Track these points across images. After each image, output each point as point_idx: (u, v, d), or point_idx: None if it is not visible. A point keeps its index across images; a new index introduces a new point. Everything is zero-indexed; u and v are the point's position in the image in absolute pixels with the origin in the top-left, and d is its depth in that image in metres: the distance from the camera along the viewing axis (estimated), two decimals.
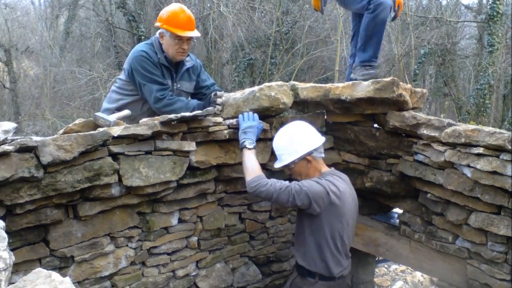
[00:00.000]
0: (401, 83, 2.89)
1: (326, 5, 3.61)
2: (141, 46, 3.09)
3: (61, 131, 2.53)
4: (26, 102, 14.75)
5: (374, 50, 3.36)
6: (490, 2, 11.19)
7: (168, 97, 2.92)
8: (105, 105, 3.14)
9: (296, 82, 2.97)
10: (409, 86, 3.03)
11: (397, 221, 3.15)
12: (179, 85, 3.10)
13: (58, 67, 13.76)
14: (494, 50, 10.95)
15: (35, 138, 2.10)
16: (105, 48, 15.75)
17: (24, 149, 1.98)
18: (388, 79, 2.85)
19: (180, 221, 2.71)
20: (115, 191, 2.30)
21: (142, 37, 12.35)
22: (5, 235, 1.33)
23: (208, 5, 11.19)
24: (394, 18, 3.51)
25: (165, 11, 3.04)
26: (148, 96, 2.93)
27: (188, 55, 3.18)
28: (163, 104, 2.89)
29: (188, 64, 3.16)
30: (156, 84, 2.93)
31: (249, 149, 2.52)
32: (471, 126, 2.53)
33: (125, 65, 3.07)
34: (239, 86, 12.04)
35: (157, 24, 3.03)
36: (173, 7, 3.10)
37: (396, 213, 3.33)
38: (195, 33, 3.04)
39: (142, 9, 12.80)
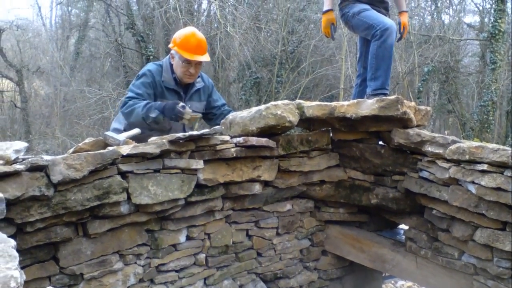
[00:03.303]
0: (405, 101, 2.93)
1: (336, 31, 3.65)
2: (149, 65, 3.18)
3: (71, 150, 2.59)
4: (36, 121, 14.95)
5: (385, 77, 3.38)
6: (492, 21, 11.29)
7: (133, 100, 2.99)
8: (114, 125, 3.21)
9: (302, 101, 3.02)
10: (413, 104, 3.07)
11: (403, 237, 3.15)
12: (189, 105, 3.15)
13: (68, 86, 13.99)
14: (496, 68, 11.01)
15: (45, 157, 2.15)
16: (114, 68, 16.01)
17: (35, 168, 2.03)
18: (393, 97, 2.89)
19: (188, 238, 2.74)
20: (124, 209, 2.34)
21: (151, 57, 12.55)
22: (16, 254, 1.35)
23: (215, 25, 11.37)
24: (399, 39, 3.56)
25: (178, 34, 3.14)
26: (120, 106, 3.06)
27: (200, 75, 3.24)
28: (127, 106, 2.98)
29: (198, 85, 3.22)
30: (131, 93, 3.04)
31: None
32: (475, 143, 2.55)
33: None
34: (246, 104, 12.14)
35: (170, 45, 3.13)
36: (186, 30, 3.18)
37: (402, 229, 3.33)
38: (204, 58, 3.09)
39: (150, 30, 13.03)
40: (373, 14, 3.39)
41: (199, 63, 3.10)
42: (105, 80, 14.18)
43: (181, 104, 2.92)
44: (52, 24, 19.84)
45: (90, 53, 16.36)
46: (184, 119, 2.92)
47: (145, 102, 2.97)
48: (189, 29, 3.20)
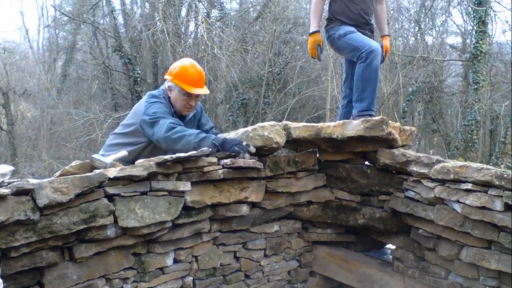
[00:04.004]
0: (390, 121, 2.99)
1: (322, 52, 3.70)
2: (156, 92, 3.10)
3: (58, 173, 2.57)
4: (23, 144, 14.83)
5: (371, 98, 3.43)
6: (474, 42, 11.57)
7: (180, 127, 2.80)
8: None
9: (288, 122, 3.05)
10: (398, 124, 3.13)
11: (391, 257, 3.17)
12: None
13: (55, 109, 13.95)
14: (479, 88, 11.24)
15: (31, 180, 2.13)
16: (101, 90, 16.02)
17: (20, 192, 2.01)
18: (378, 118, 2.95)
19: (175, 261, 2.71)
20: (110, 232, 2.32)
21: (138, 79, 12.61)
22: (0, 281, 1.34)
23: (203, 47, 11.48)
24: (381, 62, 3.63)
25: (176, 65, 3.07)
26: (159, 129, 2.77)
27: None
28: (175, 131, 2.74)
29: (191, 114, 3.19)
30: (171, 119, 2.86)
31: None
32: (459, 163, 2.60)
33: (132, 119, 3.04)
34: (233, 126, 12.20)
35: (167, 77, 3.05)
36: (184, 61, 3.12)
37: (389, 249, 3.35)
38: (204, 91, 3.05)
39: (138, 52, 13.11)
40: (358, 37, 3.46)
41: (199, 95, 3.06)
42: (92, 102, 14.16)
43: (245, 143, 2.75)
44: (40, 46, 19.87)
45: (77, 76, 16.36)
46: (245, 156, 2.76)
47: (196, 131, 2.80)
48: (187, 61, 3.13)
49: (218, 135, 2.96)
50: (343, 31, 3.51)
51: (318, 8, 3.61)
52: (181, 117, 3.11)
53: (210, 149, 2.63)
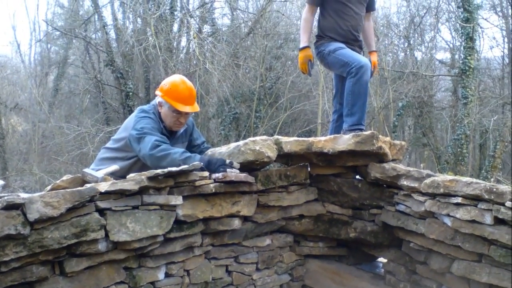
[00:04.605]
0: (380, 136, 3.02)
1: (313, 67, 3.73)
2: (147, 107, 3.10)
3: (49, 187, 2.56)
4: (13, 158, 14.71)
5: (361, 113, 3.47)
6: (462, 57, 11.77)
7: (166, 144, 2.82)
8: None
9: (280, 137, 3.07)
10: (388, 139, 3.16)
11: (382, 270, 3.17)
12: None
13: (47, 123, 13.89)
14: (468, 102, 11.39)
15: (22, 195, 2.12)
16: (93, 104, 16.01)
17: (10, 207, 1.99)
18: (368, 132, 2.98)
19: (167, 275, 2.70)
20: (101, 246, 2.31)
21: (130, 93, 12.61)
22: None
23: (195, 62, 11.54)
24: (370, 76, 3.69)
25: (167, 81, 3.07)
26: (145, 146, 2.78)
27: None
28: (160, 149, 2.76)
29: (182, 129, 3.20)
30: (158, 136, 2.85)
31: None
32: (449, 177, 2.63)
33: (123, 134, 3.03)
34: (225, 140, 12.21)
35: (158, 93, 3.05)
36: (175, 78, 3.12)
37: (381, 262, 3.35)
38: (194, 109, 3.05)
39: (130, 67, 13.13)
40: (348, 52, 3.51)
41: (189, 113, 3.06)
42: (84, 116, 14.15)
43: (229, 160, 2.77)
44: (31, 61, 19.80)
45: (69, 90, 16.35)
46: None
47: (181, 150, 2.81)
48: (178, 77, 3.13)
49: (205, 155, 2.96)
50: (333, 47, 3.56)
51: (307, 24, 3.66)
52: (171, 132, 3.12)
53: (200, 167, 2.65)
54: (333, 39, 3.60)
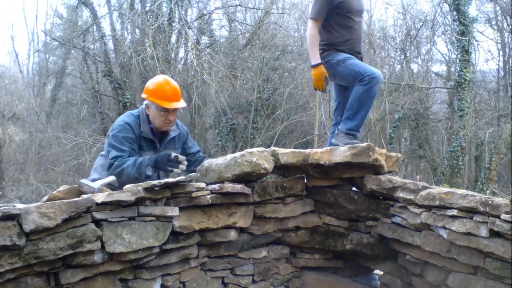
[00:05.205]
0: (376, 148, 3.04)
1: (328, 83, 3.63)
2: (126, 117, 3.14)
3: (45, 198, 2.56)
4: (10, 168, 14.63)
5: (361, 121, 3.48)
6: (458, 70, 11.86)
7: (119, 159, 2.88)
8: (93, 175, 3.16)
9: (276, 148, 3.08)
10: (384, 151, 3.18)
11: (378, 282, 3.17)
12: None
13: (44, 133, 13.86)
14: (464, 114, 11.46)
15: (18, 205, 2.12)
16: (91, 114, 15.99)
17: (6, 217, 1.99)
18: (364, 144, 3.00)
19: (163, 287, 2.68)
20: (97, 257, 2.30)
21: (128, 104, 12.62)
22: None
23: (192, 73, 11.59)
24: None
25: (151, 83, 3.13)
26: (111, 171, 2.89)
27: (175, 123, 3.26)
28: (114, 167, 2.87)
29: (172, 134, 3.22)
30: (115, 151, 2.93)
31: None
32: (445, 189, 2.64)
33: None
34: (222, 150, 12.22)
35: (143, 95, 3.10)
36: (158, 79, 3.18)
37: (377, 274, 3.35)
38: (181, 104, 3.11)
39: (127, 77, 13.15)
40: (359, 63, 3.53)
41: (176, 109, 3.11)
42: (81, 126, 14.12)
43: (174, 154, 2.85)
44: (29, 71, 19.81)
45: (66, 100, 16.33)
46: (180, 169, 2.86)
47: (132, 159, 2.88)
48: (161, 77, 3.19)
49: (201, 166, 3.00)
50: (342, 57, 3.53)
51: (315, 39, 3.55)
52: (162, 134, 3.15)
53: (151, 174, 2.81)
54: (339, 50, 3.58)
